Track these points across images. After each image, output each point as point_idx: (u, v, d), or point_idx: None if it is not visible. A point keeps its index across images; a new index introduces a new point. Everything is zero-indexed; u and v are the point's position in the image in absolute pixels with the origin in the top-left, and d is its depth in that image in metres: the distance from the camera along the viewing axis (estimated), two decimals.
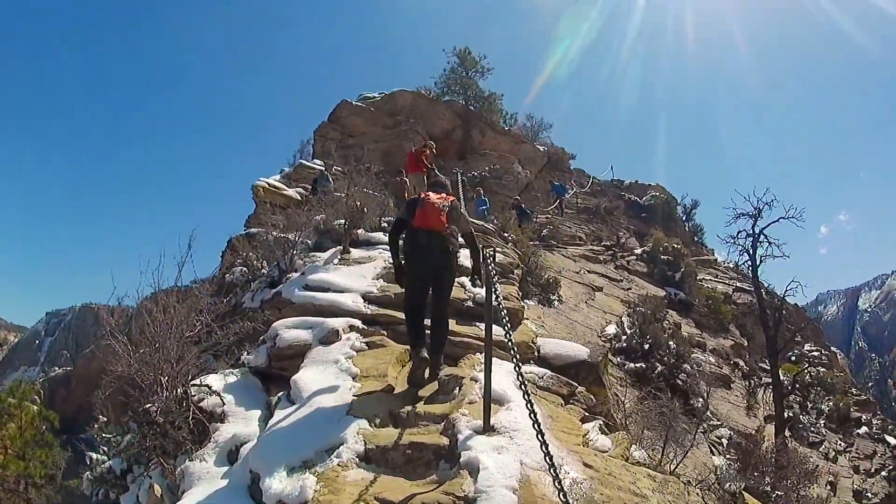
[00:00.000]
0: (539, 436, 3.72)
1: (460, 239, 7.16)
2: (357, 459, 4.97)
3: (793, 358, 22.71)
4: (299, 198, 19.72)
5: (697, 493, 5.21)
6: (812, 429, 17.73)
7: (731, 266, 30.57)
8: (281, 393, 7.01)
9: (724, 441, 13.63)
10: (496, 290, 5.33)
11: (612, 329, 15.54)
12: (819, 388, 20.69)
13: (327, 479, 4.64)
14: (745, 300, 25.72)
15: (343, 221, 11.80)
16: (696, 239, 36.77)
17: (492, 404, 5.33)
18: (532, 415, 4.01)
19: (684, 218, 38.47)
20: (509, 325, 4.84)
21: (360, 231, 12.06)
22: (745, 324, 23.65)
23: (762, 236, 17.68)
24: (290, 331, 7.96)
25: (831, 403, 19.89)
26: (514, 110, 37.16)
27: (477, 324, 8.41)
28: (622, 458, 6.00)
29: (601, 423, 7.16)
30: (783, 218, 17.35)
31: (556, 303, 15.06)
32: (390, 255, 7.49)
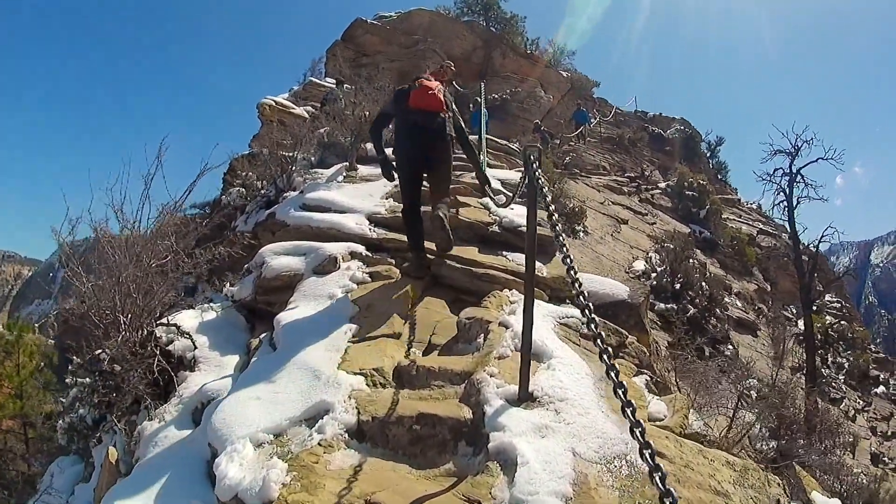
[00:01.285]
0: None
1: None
2: (346, 436, 3.59)
3: (814, 308, 21.76)
4: (308, 116, 18.44)
5: (778, 484, 4.03)
6: (833, 384, 16.98)
7: (755, 207, 30.13)
8: (263, 335, 5.76)
9: (754, 393, 12.84)
10: (547, 204, 3.54)
11: (640, 265, 14.44)
12: (840, 343, 19.95)
13: (302, 466, 3.28)
14: (770, 243, 25.21)
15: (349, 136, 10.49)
16: (719, 177, 35.72)
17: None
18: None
19: (708, 154, 37.51)
20: (567, 251, 3.25)
21: (368, 145, 10.67)
22: (768, 268, 22.91)
23: (799, 176, 16.76)
24: (278, 257, 6.68)
25: (851, 359, 19.19)
26: (535, 35, 35.48)
27: (504, 253, 6.92)
28: (681, 428, 4.71)
29: (647, 377, 5.88)
30: (822, 159, 16.51)
31: (581, 234, 13.86)
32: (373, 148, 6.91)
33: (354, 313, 5.30)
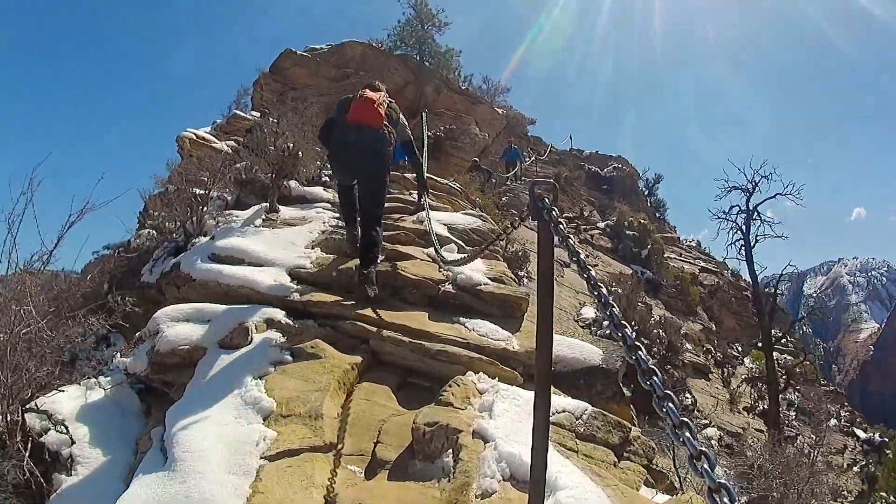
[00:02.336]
0: None
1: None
2: None
3: (759, 345, 21.52)
4: (230, 151, 17.14)
5: None
6: (787, 422, 16.75)
7: (695, 244, 30.14)
8: (155, 430, 4.32)
9: (714, 442, 12.56)
10: (581, 262, 2.31)
11: (589, 312, 13.52)
12: (790, 379, 19.65)
13: None
14: (712, 281, 25.36)
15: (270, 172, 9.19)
16: (658, 215, 35.52)
17: (523, 492, 2.78)
18: None
19: (646, 192, 37.51)
20: None
21: (292, 183, 9.47)
22: (711, 307, 22.83)
23: (756, 213, 16.26)
24: (176, 325, 5.30)
25: (802, 395, 19.33)
26: (469, 72, 34.88)
27: (462, 320, 5.55)
28: None
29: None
30: (780, 194, 16.04)
31: (525, 280, 12.69)
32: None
33: (270, 411, 3.91)
